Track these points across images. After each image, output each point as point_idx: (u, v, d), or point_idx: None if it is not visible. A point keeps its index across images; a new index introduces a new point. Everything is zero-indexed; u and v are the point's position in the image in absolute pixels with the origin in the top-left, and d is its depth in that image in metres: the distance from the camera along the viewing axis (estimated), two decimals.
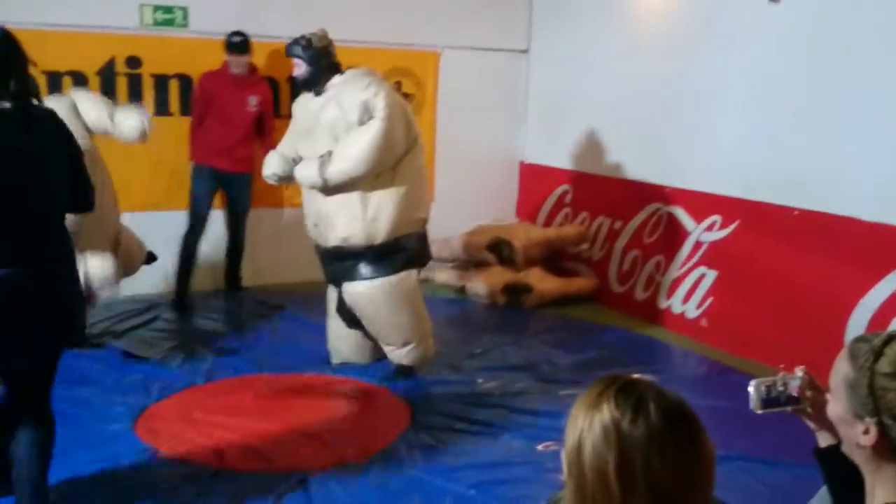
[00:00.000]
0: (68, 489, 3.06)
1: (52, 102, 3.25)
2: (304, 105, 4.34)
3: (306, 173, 4.09)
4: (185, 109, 5.78)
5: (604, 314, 5.83)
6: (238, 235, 5.78)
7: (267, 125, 5.65)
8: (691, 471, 1.26)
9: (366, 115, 4.01)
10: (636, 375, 1.36)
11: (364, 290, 4.19)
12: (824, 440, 1.71)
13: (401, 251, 4.18)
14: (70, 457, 3.19)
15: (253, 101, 5.52)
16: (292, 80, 4.79)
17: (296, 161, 4.20)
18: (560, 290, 6.05)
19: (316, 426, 3.77)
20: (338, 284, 4.33)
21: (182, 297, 5.51)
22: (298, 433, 3.64)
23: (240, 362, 4.54)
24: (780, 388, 1.70)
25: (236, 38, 5.40)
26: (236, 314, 5.52)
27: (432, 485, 3.26)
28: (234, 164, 5.54)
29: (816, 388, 1.70)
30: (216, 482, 3.20)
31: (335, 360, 4.55)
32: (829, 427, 1.66)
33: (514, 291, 5.95)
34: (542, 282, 6.03)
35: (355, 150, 3.96)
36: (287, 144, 4.39)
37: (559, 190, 6.64)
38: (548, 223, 6.73)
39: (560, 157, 6.58)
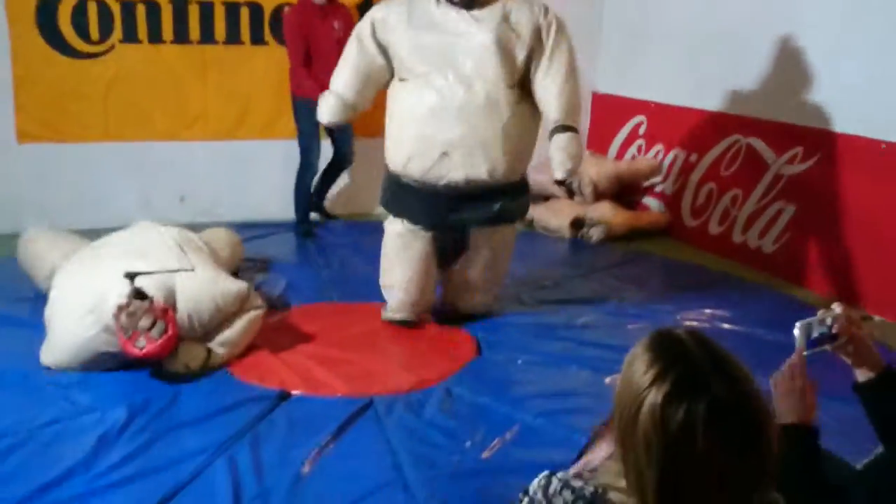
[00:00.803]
0: (142, 406, 3.18)
1: None
2: (428, 18, 3.73)
3: (573, 151, 3.69)
4: (255, 38, 5.78)
5: (676, 249, 5.71)
6: (350, 155, 5.69)
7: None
8: (743, 448, 1.18)
9: (538, 43, 3.70)
10: (694, 334, 1.27)
11: (505, 231, 3.96)
12: (863, 375, 1.70)
13: (527, 190, 4.02)
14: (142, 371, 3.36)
15: (337, 27, 5.28)
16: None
17: (354, 104, 3.88)
18: (630, 224, 5.94)
19: (385, 354, 3.81)
20: (460, 228, 3.87)
21: (305, 223, 5.66)
22: (368, 360, 3.68)
23: (313, 290, 4.59)
24: (823, 327, 1.66)
25: None
26: (321, 240, 5.56)
27: (499, 413, 3.27)
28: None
29: (854, 322, 1.66)
30: (284, 405, 3.27)
31: (411, 313, 4.05)
32: (867, 362, 1.65)
33: (583, 225, 5.87)
34: (612, 215, 5.92)
35: (575, 96, 3.73)
36: (349, 78, 3.91)
37: (633, 121, 6.46)
38: (619, 156, 6.58)
39: (635, 87, 6.38)
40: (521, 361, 3.77)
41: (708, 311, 4.42)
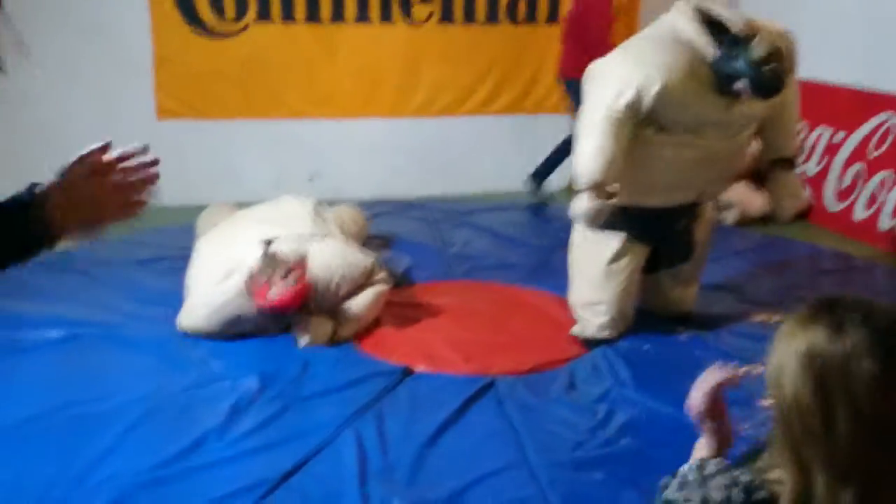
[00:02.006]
0: (272, 375, 3.25)
1: None
2: (703, 65, 3.21)
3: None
4: (384, 17, 5.80)
5: (817, 234, 5.39)
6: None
7: (592, 24, 5.26)
8: None
9: None
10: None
11: (708, 207, 3.80)
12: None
13: None
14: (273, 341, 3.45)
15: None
16: None
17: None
18: (769, 207, 5.65)
19: (509, 333, 3.77)
20: (683, 229, 3.69)
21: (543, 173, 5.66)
22: (491, 339, 3.65)
23: (437, 267, 4.58)
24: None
25: None
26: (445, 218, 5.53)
27: (621, 395, 3.20)
28: (561, 70, 5.48)
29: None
30: (408, 381, 3.28)
31: (618, 329, 3.68)
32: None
33: (717, 208, 5.62)
34: (747, 198, 5.65)
35: None
36: (616, 167, 3.24)
37: None
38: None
39: None
40: (647, 347, 3.65)
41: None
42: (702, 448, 1.45)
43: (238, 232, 3.71)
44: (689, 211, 3.63)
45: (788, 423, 1.14)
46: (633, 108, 3.16)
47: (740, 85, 3.10)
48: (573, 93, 4.95)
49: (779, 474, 1.18)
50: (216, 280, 3.49)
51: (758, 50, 3.03)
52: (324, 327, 3.53)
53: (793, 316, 1.19)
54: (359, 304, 3.64)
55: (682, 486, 1.28)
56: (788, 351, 1.14)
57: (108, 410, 2.98)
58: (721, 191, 3.60)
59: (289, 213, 3.85)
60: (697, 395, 1.44)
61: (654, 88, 3.12)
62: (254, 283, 3.34)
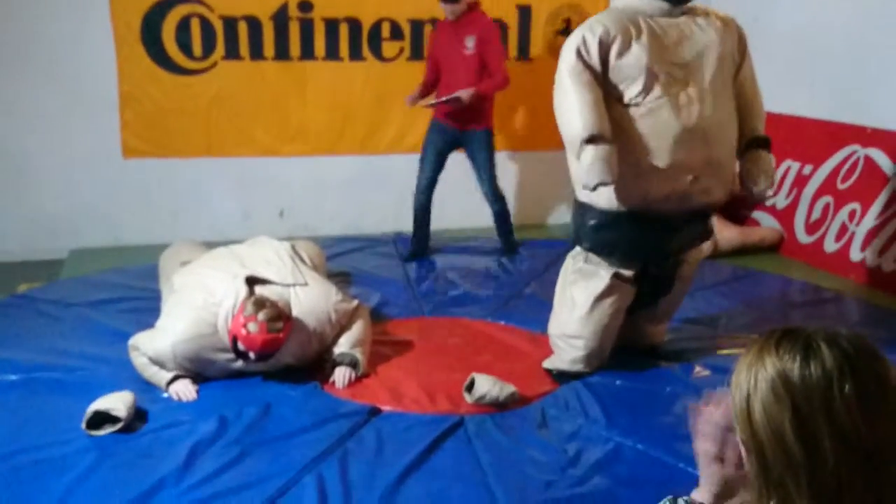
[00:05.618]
0: (234, 418, 3.15)
1: None
2: (660, 25, 3.28)
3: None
4: (354, 54, 5.80)
5: (789, 266, 5.39)
6: (490, 196, 5.23)
7: (491, 66, 4.93)
8: (885, 411, 1.06)
9: (739, 49, 3.45)
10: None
11: (702, 247, 3.71)
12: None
13: None
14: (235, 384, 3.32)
15: (470, 43, 4.91)
16: None
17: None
18: (740, 240, 5.65)
19: (480, 370, 3.66)
20: (677, 251, 3.59)
21: (416, 250, 5.34)
22: (460, 377, 3.58)
23: (406, 304, 4.52)
24: None
25: None
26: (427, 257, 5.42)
27: (592, 432, 3.14)
28: (464, 120, 5.03)
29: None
30: (374, 421, 3.20)
31: (591, 366, 3.64)
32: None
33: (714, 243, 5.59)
34: (719, 230, 5.63)
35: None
36: (599, 113, 3.19)
37: None
38: None
39: None
40: (618, 382, 3.59)
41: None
42: (699, 493, 1.34)
43: (219, 269, 3.62)
44: (685, 228, 3.49)
45: (764, 455, 1.09)
46: (584, 54, 3.21)
47: None
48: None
49: None
50: (192, 311, 3.37)
51: None
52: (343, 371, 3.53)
53: (752, 345, 1.15)
54: (356, 331, 3.65)
55: None
56: (756, 379, 1.10)
57: (63, 456, 2.88)
58: (718, 189, 3.40)
59: (268, 257, 3.76)
60: (704, 440, 1.32)
61: (598, 31, 3.21)
62: (234, 318, 3.26)
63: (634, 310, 3.69)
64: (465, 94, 4.82)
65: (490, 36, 4.97)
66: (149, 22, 5.40)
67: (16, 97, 5.22)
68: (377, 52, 5.82)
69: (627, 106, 3.25)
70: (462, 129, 5.05)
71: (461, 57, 4.94)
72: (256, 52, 5.63)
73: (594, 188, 3.18)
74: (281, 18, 5.63)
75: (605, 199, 3.36)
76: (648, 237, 3.42)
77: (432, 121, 5.19)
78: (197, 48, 5.52)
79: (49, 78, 5.25)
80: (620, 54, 3.21)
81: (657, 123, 3.22)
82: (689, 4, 3.37)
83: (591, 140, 3.13)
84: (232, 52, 5.58)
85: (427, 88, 5.20)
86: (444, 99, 4.90)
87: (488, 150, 5.11)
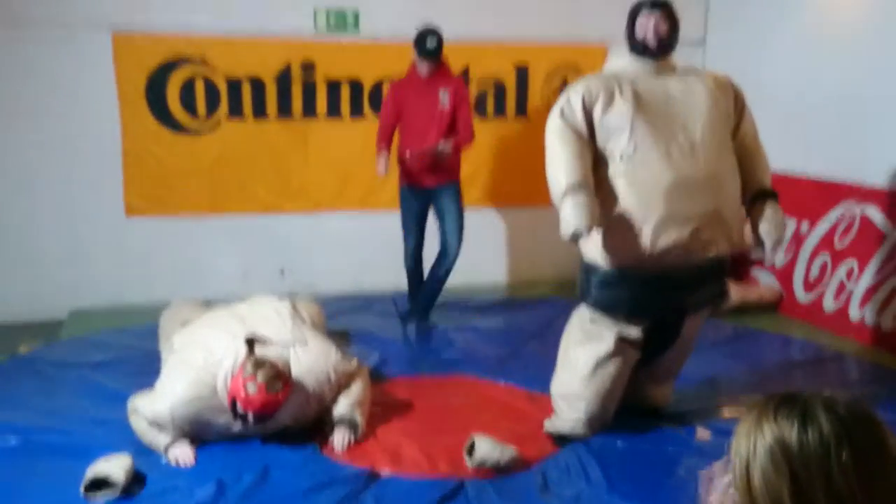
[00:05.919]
0: (231, 482, 3.13)
1: None
2: (645, 83, 3.36)
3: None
4: (354, 111, 5.88)
5: (788, 325, 5.39)
6: (454, 250, 5.13)
7: (462, 121, 4.99)
8: (883, 479, 1.06)
9: (736, 103, 3.50)
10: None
11: (707, 310, 3.69)
12: None
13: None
14: (234, 447, 3.28)
15: (445, 99, 4.95)
16: None
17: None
18: (738, 299, 5.65)
19: (480, 431, 3.66)
20: (683, 312, 3.56)
21: (413, 309, 5.32)
22: (461, 438, 3.56)
23: (406, 363, 4.52)
24: None
25: (432, 44, 4.82)
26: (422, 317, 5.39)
27: (594, 496, 3.11)
28: (436, 175, 5.03)
29: None
30: (373, 486, 3.17)
31: (592, 429, 3.61)
32: None
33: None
34: None
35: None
36: (579, 165, 3.25)
37: None
38: None
39: None
40: (619, 444, 3.57)
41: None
42: None
43: (219, 328, 3.63)
44: (695, 286, 3.49)
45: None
46: (567, 115, 3.30)
47: None
48: None
49: None
50: (191, 372, 3.36)
51: None
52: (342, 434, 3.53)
53: (751, 411, 1.17)
54: (355, 391, 3.64)
55: None
56: (755, 446, 1.11)
57: None
58: (722, 241, 3.40)
59: (268, 315, 3.77)
60: None
61: (580, 91, 3.30)
62: (233, 379, 3.25)
63: (637, 365, 3.67)
64: (445, 146, 4.87)
65: (465, 91, 5.10)
66: (153, 82, 5.48)
67: (19, 154, 5.28)
68: (377, 109, 5.89)
69: (619, 160, 3.29)
70: (434, 185, 5.06)
71: (435, 112, 4.96)
72: (259, 111, 5.71)
73: (571, 236, 3.20)
74: (284, 81, 5.71)
75: (607, 256, 3.37)
76: (655, 295, 3.42)
77: (402, 188, 5.15)
78: (201, 108, 5.60)
79: (53, 136, 5.32)
80: (605, 110, 3.29)
81: (649, 174, 3.26)
82: (684, 66, 3.45)
83: (569, 189, 3.19)
84: (235, 111, 5.66)
85: (387, 147, 5.10)
86: (427, 150, 4.90)
87: (460, 201, 5.14)
